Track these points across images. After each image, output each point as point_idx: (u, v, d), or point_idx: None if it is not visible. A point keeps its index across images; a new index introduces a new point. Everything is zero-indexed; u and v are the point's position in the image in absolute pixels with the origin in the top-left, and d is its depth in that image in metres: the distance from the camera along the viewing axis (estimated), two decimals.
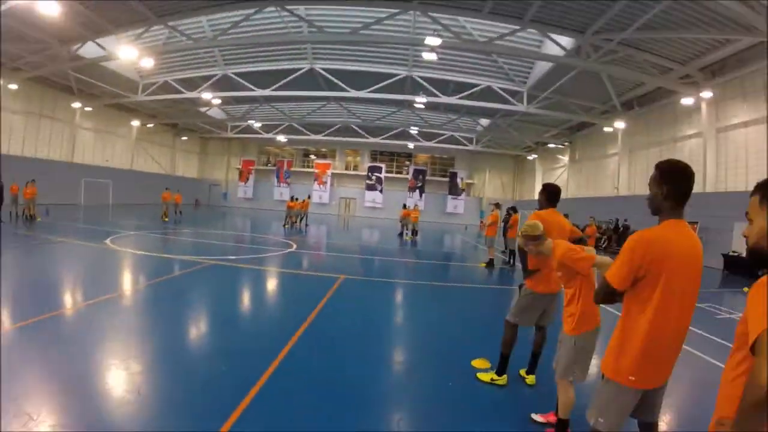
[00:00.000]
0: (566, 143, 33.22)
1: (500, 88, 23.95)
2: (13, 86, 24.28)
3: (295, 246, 15.59)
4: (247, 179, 47.99)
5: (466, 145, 39.43)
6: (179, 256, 11.27)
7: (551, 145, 34.29)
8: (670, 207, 2.15)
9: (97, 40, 20.77)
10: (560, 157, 34.79)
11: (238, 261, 11.54)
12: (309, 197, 27.45)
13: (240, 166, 48.51)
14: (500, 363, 4.31)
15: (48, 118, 28.66)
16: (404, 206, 25.73)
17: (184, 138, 45.24)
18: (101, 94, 29.47)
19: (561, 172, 34.28)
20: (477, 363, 4.79)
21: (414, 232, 22.03)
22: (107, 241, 12.61)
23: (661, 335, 2.08)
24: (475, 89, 24.12)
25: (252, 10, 18.59)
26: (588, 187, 30.43)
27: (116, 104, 31.57)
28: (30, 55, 22.16)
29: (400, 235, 22.81)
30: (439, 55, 19.86)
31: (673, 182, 2.13)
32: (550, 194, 4.31)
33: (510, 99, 24.18)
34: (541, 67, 21.92)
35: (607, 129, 25.58)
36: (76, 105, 29.15)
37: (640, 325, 2.10)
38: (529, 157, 39.68)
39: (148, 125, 38.17)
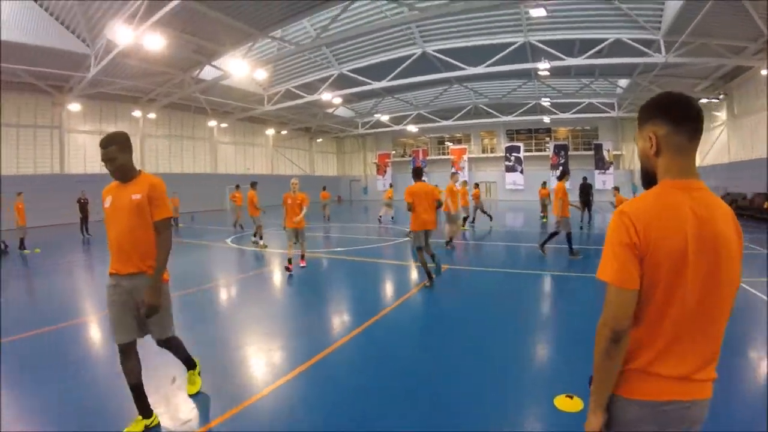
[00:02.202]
0: (721, 96, 26.87)
1: (631, 39, 20.00)
2: (152, 115, 28.06)
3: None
4: (385, 172, 48.79)
5: (608, 112, 34.64)
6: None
7: (704, 101, 27.90)
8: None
9: (214, 63, 22.39)
10: (716, 114, 28.25)
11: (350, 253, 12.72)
12: (391, 186, 26.50)
13: (376, 160, 49.62)
14: None
15: (189, 138, 32.66)
16: (543, 184, 23.01)
17: (320, 140, 47.85)
18: (233, 110, 32.36)
19: (719, 133, 27.97)
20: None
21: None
22: (228, 241, 15.41)
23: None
24: (604, 44, 20.58)
25: (348, 1, 18.18)
26: (754, 147, 24.27)
27: (248, 117, 34.43)
28: (159, 87, 25.05)
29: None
30: (551, 9, 17.20)
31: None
32: (415, 172, 8.61)
33: (645, 50, 20.14)
34: (673, 7, 17.75)
35: (765, 72, 20.03)
36: (212, 123, 32.45)
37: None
38: None
39: (282, 132, 40.94)
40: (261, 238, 13.77)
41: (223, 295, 8.52)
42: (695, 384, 1.61)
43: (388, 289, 8.79)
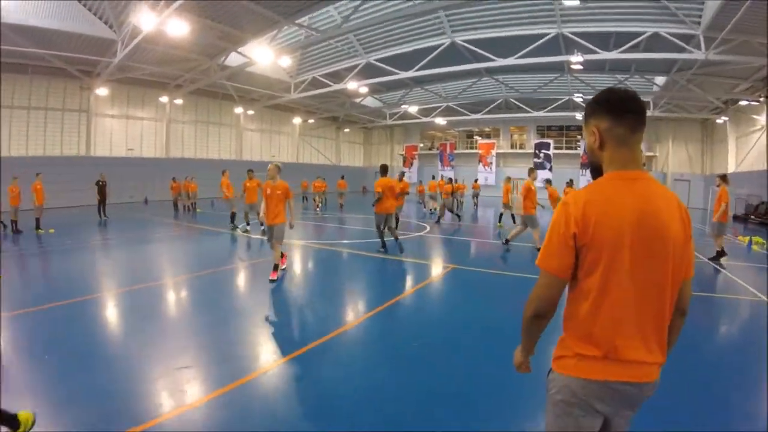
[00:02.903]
0: (762, 98, 25.36)
1: (669, 34, 19.08)
2: (179, 101, 28.59)
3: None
4: (411, 164, 48.47)
5: None
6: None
7: (744, 103, 26.48)
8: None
9: (240, 50, 22.46)
10: (756, 117, 26.70)
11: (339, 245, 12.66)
12: (433, 177, 26.44)
13: (403, 152, 49.29)
14: None
15: (216, 125, 33.18)
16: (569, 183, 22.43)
17: (347, 130, 47.86)
18: (259, 98, 32.65)
19: (759, 137, 26.40)
20: None
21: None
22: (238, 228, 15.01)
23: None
24: (641, 38, 19.71)
25: None
26: None
27: (275, 105, 34.67)
28: (186, 73, 25.38)
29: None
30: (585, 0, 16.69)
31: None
32: (382, 169, 11.40)
33: (684, 45, 19.22)
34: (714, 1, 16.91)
35: None
36: (239, 110, 32.83)
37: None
38: (719, 121, 31.39)
39: (309, 121, 41.03)
40: (232, 221, 14.66)
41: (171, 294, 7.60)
42: (643, 367, 1.70)
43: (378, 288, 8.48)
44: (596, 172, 1.85)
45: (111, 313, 6.42)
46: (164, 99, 28.26)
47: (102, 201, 18.54)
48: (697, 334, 5.79)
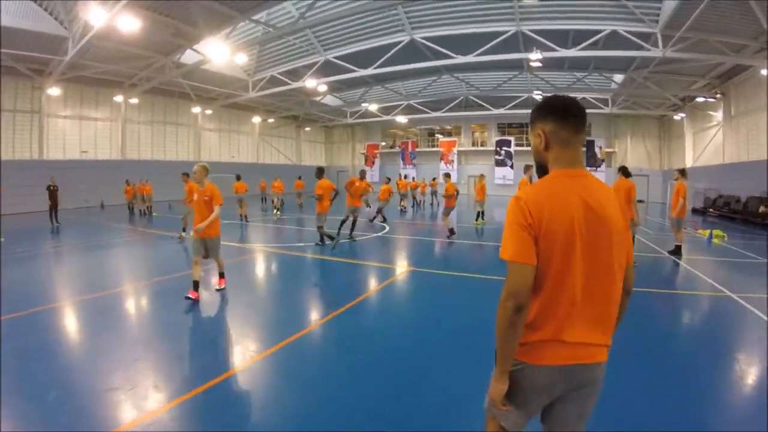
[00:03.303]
0: (718, 95, 26.77)
1: (627, 32, 19.91)
2: (134, 101, 28.09)
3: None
4: (373, 163, 48.73)
5: (602, 108, 34.62)
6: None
7: (700, 99, 27.89)
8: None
9: (195, 47, 22.24)
10: (712, 113, 28.11)
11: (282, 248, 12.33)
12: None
13: (365, 151, 49.54)
14: None
15: (173, 125, 32.88)
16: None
17: (308, 129, 47.80)
18: (217, 97, 32.32)
19: (715, 132, 27.79)
20: None
21: None
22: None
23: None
24: (599, 36, 20.50)
25: None
26: (749, 150, 24.21)
27: (234, 104, 34.40)
28: (140, 71, 24.91)
29: None
30: None
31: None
32: (318, 171, 12.01)
33: (642, 44, 20.12)
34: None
35: (765, 72, 20.02)
36: (196, 109, 32.43)
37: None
38: (676, 117, 32.96)
39: (269, 120, 40.82)
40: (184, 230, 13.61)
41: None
42: (595, 348, 1.87)
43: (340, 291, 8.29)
44: (542, 170, 2.02)
45: (55, 325, 6.05)
46: (119, 98, 27.63)
47: (54, 206, 17.84)
48: (664, 331, 5.97)
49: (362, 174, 15.36)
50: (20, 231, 16.45)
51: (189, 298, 6.67)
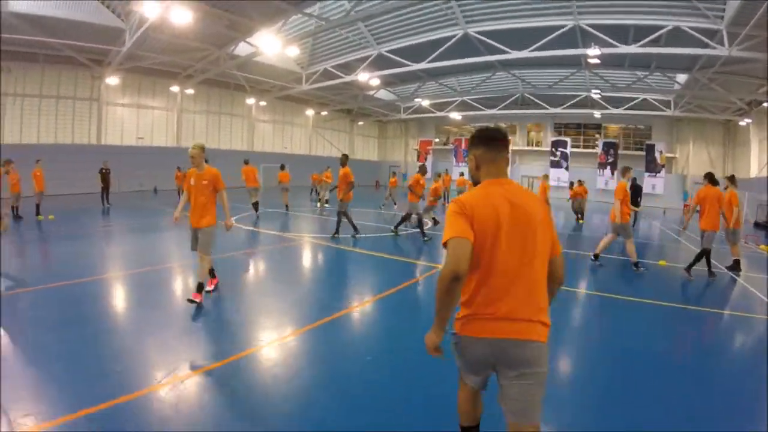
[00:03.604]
0: None
1: (691, 28, 18.39)
2: (190, 91, 28.86)
3: None
4: (426, 159, 48.09)
5: (664, 110, 32.35)
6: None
7: (766, 104, 25.44)
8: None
9: (249, 40, 22.43)
10: None
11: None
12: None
13: (418, 147, 48.95)
14: None
15: (227, 115, 33.59)
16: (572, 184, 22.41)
17: (361, 123, 47.75)
18: (271, 89, 32.62)
19: None
20: None
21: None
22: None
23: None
24: (661, 32, 19.01)
25: None
26: None
27: (287, 96, 34.75)
28: (196, 63, 25.49)
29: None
30: None
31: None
32: (343, 157, 12.09)
33: (707, 41, 18.50)
34: None
35: None
36: (251, 101, 32.92)
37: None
38: (742, 123, 30.33)
39: (323, 113, 41.00)
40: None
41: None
42: (523, 324, 2.16)
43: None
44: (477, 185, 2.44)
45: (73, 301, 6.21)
46: (175, 89, 28.44)
47: (105, 188, 18.75)
48: (715, 354, 5.47)
49: (423, 170, 14.44)
50: (72, 210, 17.35)
51: (193, 300, 5.91)
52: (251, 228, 13.86)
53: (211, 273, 6.63)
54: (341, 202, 12.08)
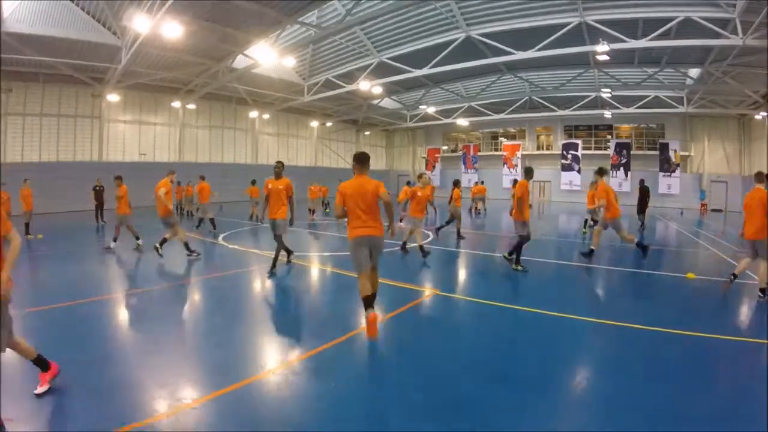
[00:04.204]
0: None
1: (702, 18, 17.72)
2: (191, 106, 28.82)
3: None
4: (434, 167, 47.78)
5: (676, 107, 31.39)
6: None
7: None
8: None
9: (246, 52, 22.40)
10: None
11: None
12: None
13: (425, 155, 48.66)
14: None
15: (230, 129, 33.55)
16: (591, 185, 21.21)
17: (367, 132, 47.60)
18: (273, 101, 32.66)
19: None
20: None
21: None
22: (220, 238, 14.53)
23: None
24: (671, 24, 18.35)
25: None
26: None
27: (291, 108, 34.69)
28: (196, 77, 25.61)
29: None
30: None
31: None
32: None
33: (719, 30, 17.78)
34: None
35: None
36: (254, 114, 32.91)
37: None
38: (758, 116, 29.32)
39: (327, 124, 40.92)
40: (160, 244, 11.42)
41: None
42: (369, 229, 5.57)
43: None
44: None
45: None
46: (176, 104, 28.57)
47: (100, 206, 18.57)
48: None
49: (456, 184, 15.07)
50: (64, 228, 17.36)
51: None
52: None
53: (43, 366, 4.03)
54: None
